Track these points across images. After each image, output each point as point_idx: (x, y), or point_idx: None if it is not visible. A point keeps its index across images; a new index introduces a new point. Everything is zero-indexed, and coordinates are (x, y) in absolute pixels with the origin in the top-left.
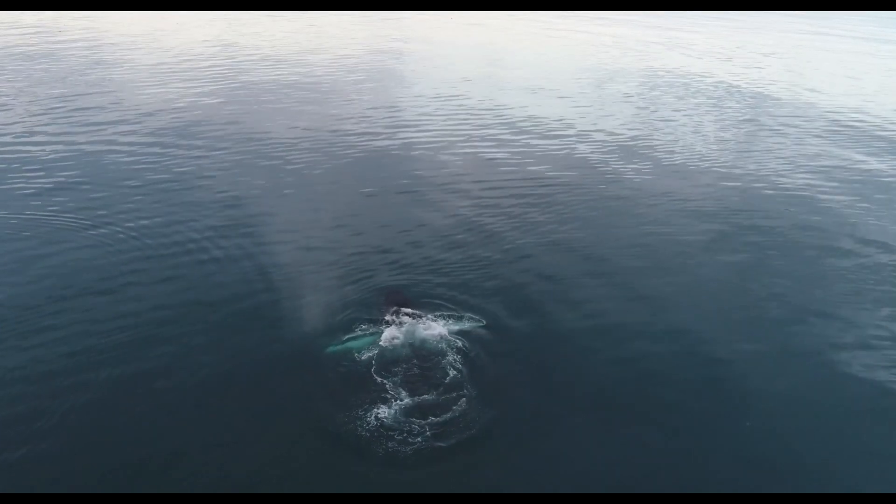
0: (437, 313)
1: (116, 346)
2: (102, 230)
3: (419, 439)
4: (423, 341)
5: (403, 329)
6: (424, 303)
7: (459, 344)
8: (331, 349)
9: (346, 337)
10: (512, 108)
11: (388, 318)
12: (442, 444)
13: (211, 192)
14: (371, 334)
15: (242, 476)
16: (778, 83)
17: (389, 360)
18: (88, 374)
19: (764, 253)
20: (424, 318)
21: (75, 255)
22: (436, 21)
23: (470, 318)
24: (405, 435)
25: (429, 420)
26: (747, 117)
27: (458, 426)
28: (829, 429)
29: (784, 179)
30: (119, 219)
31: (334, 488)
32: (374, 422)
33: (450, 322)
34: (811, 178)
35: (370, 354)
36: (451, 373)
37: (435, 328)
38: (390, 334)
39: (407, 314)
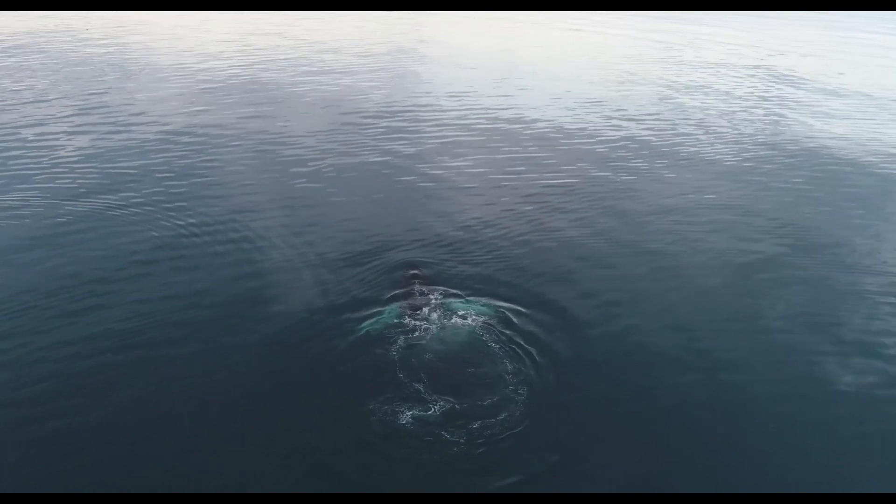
0: (455, 290)
1: (136, 333)
2: (122, 217)
3: (443, 436)
4: (446, 323)
5: (427, 308)
6: (444, 281)
7: (482, 326)
8: (364, 326)
9: (375, 313)
10: (534, 103)
11: (409, 291)
12: (464, 442)
13: (234, 182)
14: (396, 309)
15: (260, 473)
16: (815, 80)
17: (413, 344)
18: (105, 367)
19: (794, 260)
20: (444, 296)
21: (100, 243)
22: (453, 20)
23: (489, 303)
24: (426, 432)
25: (452, 415)
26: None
27: (481, 422)
28: (853, 435)
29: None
30: (143, 207)
31: (351, 488)
32: (394, 416)
33: (470, 302)
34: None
35: (395, 338)
36: (475, 358)
37: (456, 306)
38: (414, 311)
39: (426, 289)
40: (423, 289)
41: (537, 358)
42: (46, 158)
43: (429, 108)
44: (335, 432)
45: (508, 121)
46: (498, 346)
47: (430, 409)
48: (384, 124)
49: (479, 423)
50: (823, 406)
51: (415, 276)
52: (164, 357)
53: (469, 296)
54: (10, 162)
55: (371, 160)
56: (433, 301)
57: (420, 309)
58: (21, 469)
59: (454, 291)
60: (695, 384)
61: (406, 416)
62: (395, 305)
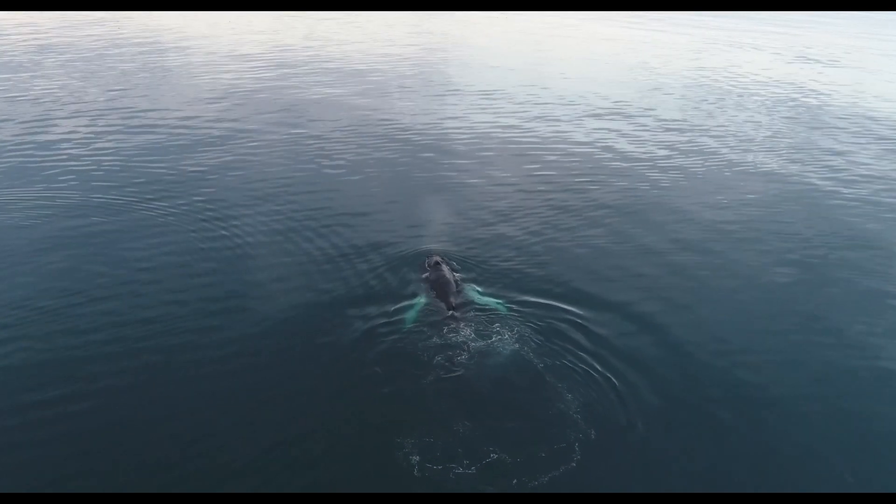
0: (483, 286)
1: (151, 331)
2: (149, 213)
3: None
4: (480, 329)
5: (456, 307)
6: (471, 274)
7: (518, 333)
8: (393, 326)
9: (401, 310)
10: (567, 103)
11: (436, 285)
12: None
13: (259, 177)
14: (423, 303)
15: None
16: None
17: (443, 357)
18: (131, 358)
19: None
20: (473, 292)
21: (123, 237)
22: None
23: (522, 302)
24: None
25: (494, 465)
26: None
27: (526, 476)
28: None
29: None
30: (174, 202)
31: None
32: (420, 456)
33: (499, 301)
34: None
35: (423, 347)
36: (513, 378)
37: (485, 302)
38: (442, 310)
39: (453, 283)
40: (450, 281)
41: (587, 374)
42: (73, 155)
43: (460, 106)
44: (345, 470)
45: (541, 120)
46: (539, 360)
47: (466, 447)
48: (413, 122)
49: (524, 477)
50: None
51: (440, 267)
52: (178, 354)
53: (498, 294)
54: (38, 158)
55: (398, 157)
56: (462, 299)
57: (449, 309)
58: (22, 469)
59: (481, 288)
60: (782, 405)
61: (435, 458)
62: (421, 302)
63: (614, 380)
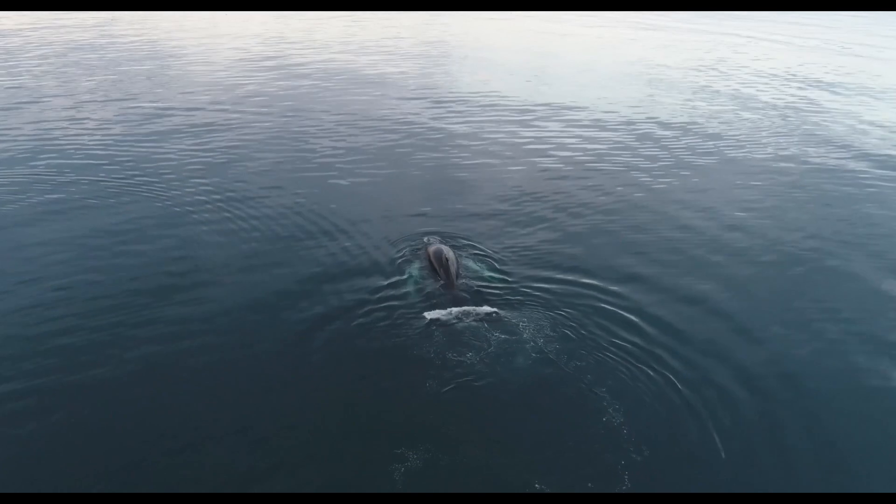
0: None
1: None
2: (149, 198)
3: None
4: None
5: (457, 295)
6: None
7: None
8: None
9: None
10: (569, 94)
11: (429, 257)
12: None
13: (264, 167)
14: (417, 278)
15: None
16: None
17: (449, 349)
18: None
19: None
20: (476, 274)
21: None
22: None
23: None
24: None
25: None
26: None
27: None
28: None
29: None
30: (182, 191)
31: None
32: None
33: (498, 275)
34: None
35: (422, 337)
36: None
37: (487, 277)
38: (441, 295)
39: (453, 266)
40: (450, 259)
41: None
42: (78, 146)
43: (466, 95)
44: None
45: (545, 109)
46: (570, 358)
47: (483, 472)
48: (417, 111)
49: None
50: None
51: (440, 246)
52: (172, 343)
53: (508, 271)
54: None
55: (401, 143)
56: (463, 274)
57: (448, 286)
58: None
59: (484, 264)
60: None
61: (441, 481)
62: (416, 276)
63: (661, 381)
